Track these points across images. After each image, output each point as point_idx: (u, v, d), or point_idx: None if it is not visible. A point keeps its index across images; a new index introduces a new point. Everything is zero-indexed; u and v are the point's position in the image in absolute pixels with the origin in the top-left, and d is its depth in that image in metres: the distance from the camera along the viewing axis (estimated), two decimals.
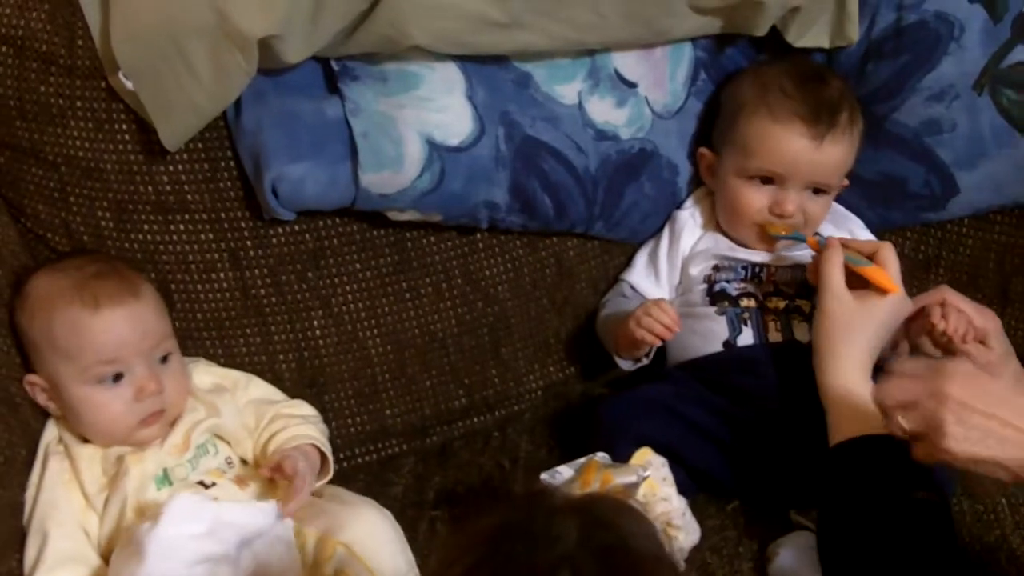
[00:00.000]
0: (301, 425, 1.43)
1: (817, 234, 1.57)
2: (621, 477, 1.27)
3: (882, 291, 1.42)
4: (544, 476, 1.32)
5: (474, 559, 0.81)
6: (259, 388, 1.50)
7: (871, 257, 1.44)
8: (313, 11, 1.30)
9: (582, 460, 1.32)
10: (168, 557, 1.22)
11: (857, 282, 1.43)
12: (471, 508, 1.49)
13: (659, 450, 1.36)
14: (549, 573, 0.79)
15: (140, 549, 1.22)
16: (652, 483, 1.29)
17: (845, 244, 1.47)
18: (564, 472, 1.31)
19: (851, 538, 1.25)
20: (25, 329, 1.35)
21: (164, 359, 1.37)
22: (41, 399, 1.36)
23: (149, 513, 1.28)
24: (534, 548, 0.80)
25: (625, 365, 1.59)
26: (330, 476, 1.43)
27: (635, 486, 1.26)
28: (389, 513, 1.39)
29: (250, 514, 1.29)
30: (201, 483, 1.35)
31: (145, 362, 1.34)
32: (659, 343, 1.50)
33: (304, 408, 1.50)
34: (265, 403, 1.47)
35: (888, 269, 1.43)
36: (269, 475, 1.35)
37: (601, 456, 1.32)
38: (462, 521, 0.86)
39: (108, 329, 1.32)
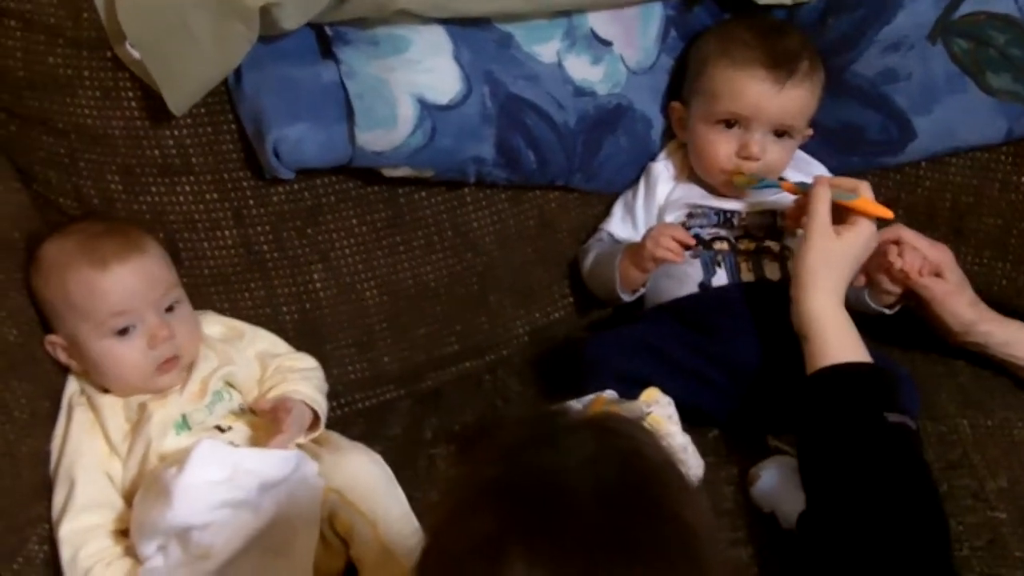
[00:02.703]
0: (297, 382, 1.46)
1: (800, 183, 1.58)
2: (626, 413, 1.30)
3: (871, 219, 1.45)
4: None
5: (504, 466, 0.84)
6: (265, 340, 1.53)
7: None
8: None
9: (590, 396, 1.35)
10: (193, 502, 1.26)
11: (835, 218, 1.46)
12: (479, 434, 1.54)
13: (640, 385, 1.40)
14: (575, 475, 0.82)
15: (167, 494, 1.26)
16: (657, 419, 1.31)
17: (831, 182, 1.49)
18: (573, 407, 1.33)
19: (830, 459, 1.30)
20: (42, 292, 1.40)
21: (172, 308, 1.41)
22: (62, 357, 1.40)
23: (171, 458, 1.32)
24: (557, 454, 0.84)
25: (626, 297, 1.62)
26: (318, 432, 1.45)
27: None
28: (379, 456, 1.42)
29: (269, 462, 1.33)
30: (218, 427, 1.39)
31: (154, 311, 1.38)
32: (680, 260, 1.53)
33: (306, 361, 1.52)
34: (270, 355, 1.50)
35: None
36: (268, 408, 1.40)
37: (609, 393, 1.36)
38: (484, 436, 0.89)
39: (117, 284, 1.36)
